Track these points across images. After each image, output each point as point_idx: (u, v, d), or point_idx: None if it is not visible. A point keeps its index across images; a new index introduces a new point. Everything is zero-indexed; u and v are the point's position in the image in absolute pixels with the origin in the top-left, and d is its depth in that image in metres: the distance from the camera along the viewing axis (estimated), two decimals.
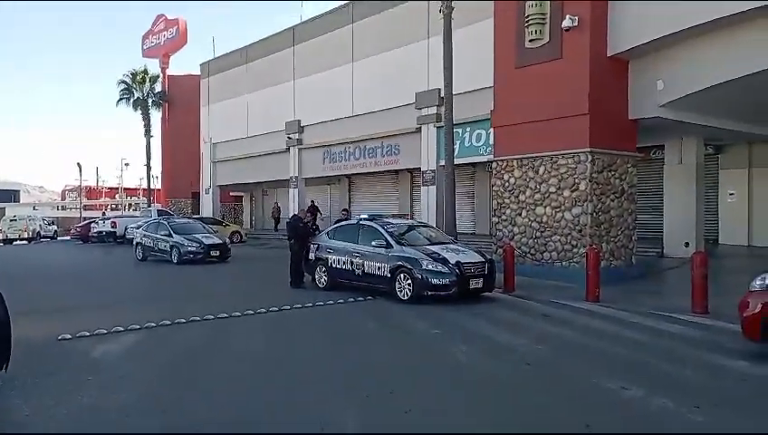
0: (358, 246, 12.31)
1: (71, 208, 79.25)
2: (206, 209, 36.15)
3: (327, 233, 13.49)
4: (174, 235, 19.97)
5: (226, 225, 30.80)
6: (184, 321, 9.36)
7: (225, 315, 9.80)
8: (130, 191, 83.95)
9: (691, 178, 16.79)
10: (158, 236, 20.53)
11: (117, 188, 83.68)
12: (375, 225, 12.30)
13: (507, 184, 14.82)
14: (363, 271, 12.03)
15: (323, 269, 12.98)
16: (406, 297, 11.08)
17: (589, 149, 13.08)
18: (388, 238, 11.75)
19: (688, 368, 6.58)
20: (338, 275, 12.66)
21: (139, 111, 43.95)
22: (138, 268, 19.32)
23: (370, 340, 8.34)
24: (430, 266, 10.92)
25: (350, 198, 32.34)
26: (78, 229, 36.49)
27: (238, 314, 9.96)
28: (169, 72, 45.26)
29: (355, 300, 11.50)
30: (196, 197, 39.57)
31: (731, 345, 7.50)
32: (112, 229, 30.94)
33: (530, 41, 14.00)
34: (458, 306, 10.58)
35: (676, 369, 6.55)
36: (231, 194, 42.32)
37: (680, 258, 15.67)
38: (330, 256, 12.83)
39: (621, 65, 13.79)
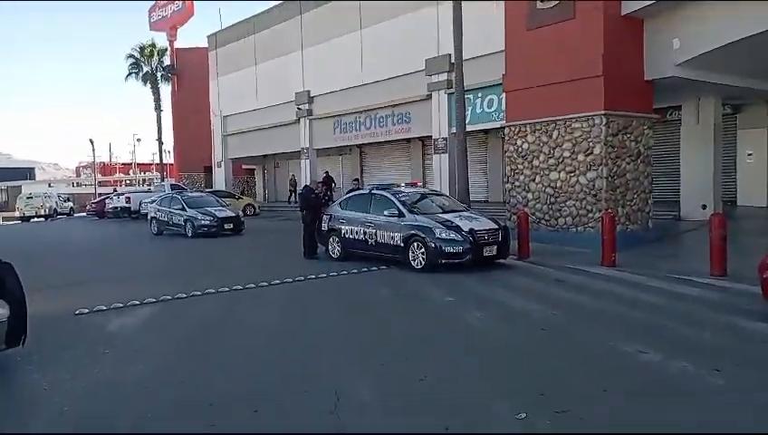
0: (370, 215, 12.24)
1: (85, 185, 79.73)
2: (219, 183, 36.22)
3: (339, 203, 13.43)
4: (188, 209, 20.03)
5: (239, 198, 30.83)
6: (199, 293, 9.39)
7: (240, 287, 9.82)
8: (144, 167, 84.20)
9: (709, 138, 16.43)
10: (171, 210, 20.61)
11: (130, 164, 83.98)
12: (387, 194, 12.21)
13: (520, 149, 14.60)
14: (376, 241, 11.98)
15: (336, 240, 12.96)
16: (420, 266, 11.04)
17: (603, 112, 12.81)
18: (401, 207, 11.66)
19: (707, 331, 6.49)
20: (351, 246, 12.63)
21: (149, 86, 43.91)
22: (153, 243, 19.45)
23: (384, 309, 8.32)
24: (443, 235, 10.84)
25: (361, 168, 32.18)
26: (93, 205, 36.78)
27: (252, 285, 9.98)
28: (177, 45, 45.00)
29: (369, 270, 11.48)
30: (208, 170, 39.61)
31: (751, 307, 7.38)
32: (127, 205, 31.12)
33: (542, 1, 13.63)
34: (472, 274, 10.52)
35: (694, 332, 6.47)
36: (243, 167, 42.33)
37: (698, 221, 15.44)
38: (342, 227, 12.78)
39: (636, 25, 13.41)
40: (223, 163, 36.18)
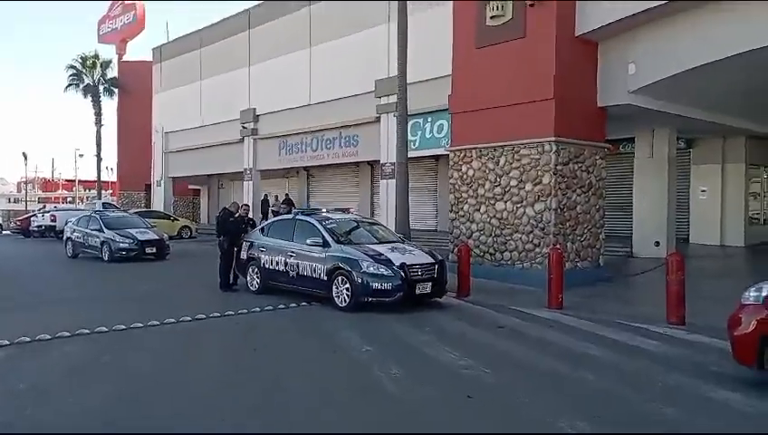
0: (293, 244, 10.81)
1: (30, 201, 75.89)
2: (158, 202, 34.22)
3: (261, 229, 11.96)
4: (105, 230, 18.13)
5: (175, 219, 28.89)
6: (68, 335, 7.75)
7: (123, 327, 8.21)
8: (88, 183, 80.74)
9: (662, 172, 15.67)
10: (88, 230, 18.67)
11: (74, 180, 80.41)
12: (312, 220, 10.80)
13: (465, 176, 13.45)
14: (298, 273, 10.54)
15: (255, 270, 11.45)
16: (344, 304, 9.63)
17: (554, 138, 11.78)
18: (326, 236, 10.27)
19: (668, 402, 5.25)
20: (271, 278, 11.14)
21: (90, 99, 41.71)
22: (61, 267, 17.44)
23: (285, 361, 6.83)
24: (371, 269, 9.47)
25: (308, 192, 30.77)
26: (18, 223, 34.13)
27: (140, 325, 8.39)
28: (126, 58, 42.98)
29: (287, 307, 10.00)
30: (149, 189, 37.50)
31: (719, 368, 6.21)
32: (52, 223, 28.70)
33: (491, 17, 12.65)
34: (402, 315, 9.17)
35: (652, 404, 5.22)
36: (189, 187, 40.36)
37: (651, 258, 14.56)
38: (262, 256, 11.30)
39: (590, 47, 12.52)
40: (163, 182, 34.21)
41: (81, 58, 41.30)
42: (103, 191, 57.11)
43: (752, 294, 5.71)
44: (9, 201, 75.24)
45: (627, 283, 12.10)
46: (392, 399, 5.40)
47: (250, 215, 14.05)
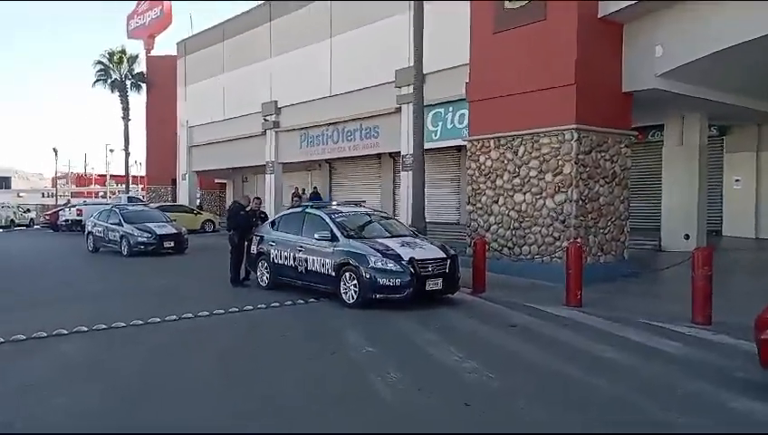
0: (302, 238, 10.50)
1: (61, 196, 77.41)
2: (183, 196, 34.40)
3: (271, 223, 11.67)
4: (124, 224, 18.16)
5: (198, 213, 28.97)
6: (65, 332, 7.58)
7: (123, 325, 8.02)
8: (120, 178, 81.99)
9: (693, 161, 14.90)
10: (108, 225, 18.73)
11: (106, 175, 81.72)
12: (321, 213, 10.47)
13: (483, 167, 12.97)
14: (306, 268, 10.23)
15: (265, 265, 11.20)
16: (351, 300, 9.29)
17: (575, 126, 11.21)
18: (335, 230, 9.93)
19: (686, 411, 4.79)
20: (280, 273, 10.87)
21: (117, 93, 42.16)
22: (81, 261, 17.50)
23: (280, 359, 6.52)
24: (379, 264, 9.10)
25: (330, 184, 30.52)
26: (47, 217, 34.75)
27: (140, 322, 8.18)
28: (154, 53, 43.29)
29: (294, 303, 9.71)
30: (176, 183, 37.72)
31: (744, 374, 5.69)
32: (78, 217, 29.06)
33: (510, 0, 12.11)
34: (411, 312, 8.79)
35: (668, 413, 4.76)
36: (216, 181, 40.55)
37: (680, 252, 13.85)
38: (272, 250, 11.03)
39: (614, 29, 11.89)
40: (187, 176, 34.36)
41: (109, 54, 41.71)
42: (133, 185, 58.05)
43: None
44: (43, 196, 76.74)
45: (652, 278, 11.47)
46: (382, 406, 5.03)
47: (263, 208, 13.76)
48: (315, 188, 28.60)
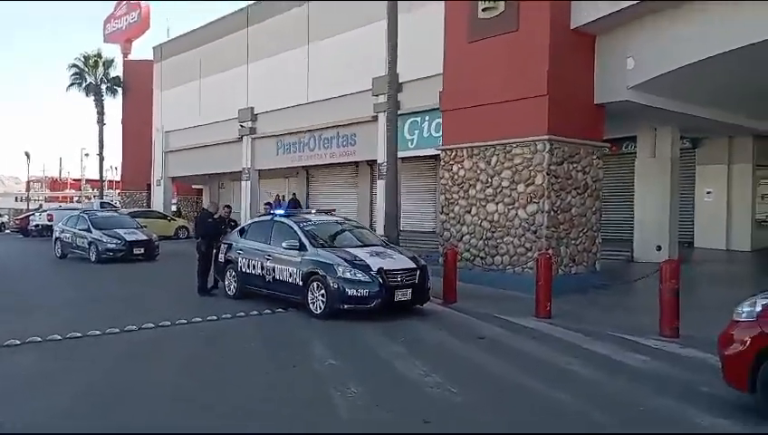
0: (270, 247, 10.31)
1: (34, 200, 75.95)
2: (158, 202, 33.88)
3: (240, 231, 11.45)
4: (93, 230, 17.75)
5: (171, 219, 28.54)
6: (18, 343, 7.30)
7: (78, 335, 7.75)
8: (95, 183, 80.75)
9: (665, 173, 15.00)
10: (76, 230, 18.30)
11: (81, 180, 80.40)
12: (290, 222, 10.29)
13: (456, 177, 12.89)
14: (274, 277, 10.04)
15: (233, 274, 10.97)
16: (318, 311, 9.11)
17: (547, 137, 11.19)
18: (303, 238, 9.75)
19: (646, 428, 4.69)
20: (248, 282, 10.65)
21: (92, 97, 41.49)
22: (46, 267, 17.06)
23: (237, 372, 6.31)
24: (347, 274, 8.94)
25: (308, 192, 30.31)
26: (17, 222, 34.02)
27: (97, 332, 7.92)
28: (132, 57, 42.71)
29: (260, 313, 9.50)
30: (151, 188, 37.17)
31: (709, 389, 5.63)
32: (49, 223, 28.39)
33: (483, 10, 12.09)
34: (379, 323, 8.64)
35: (631, 431, 4.66)
36: (193, 187, 40.06)
37: (652, 263, 13.88)
38: (240, 259, 10.82)
39: (587, 40, 11.92)
40: (162, 181, 33.86)
41: (84, 57, 41.06)
42: (110, 190, 57.16)
43: (745, 309, 5.13)
44: (16, 200, 75.25)
45: (623, 290, 11.45)
46: (338, 422, 4.86)
47: (233, 216, 13.51)
48: (294, 195, 28.40)
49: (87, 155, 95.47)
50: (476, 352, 7.27)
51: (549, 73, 11.13)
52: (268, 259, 10.18)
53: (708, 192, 17.41)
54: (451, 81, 13.12)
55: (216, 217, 11.84)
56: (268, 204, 17.04)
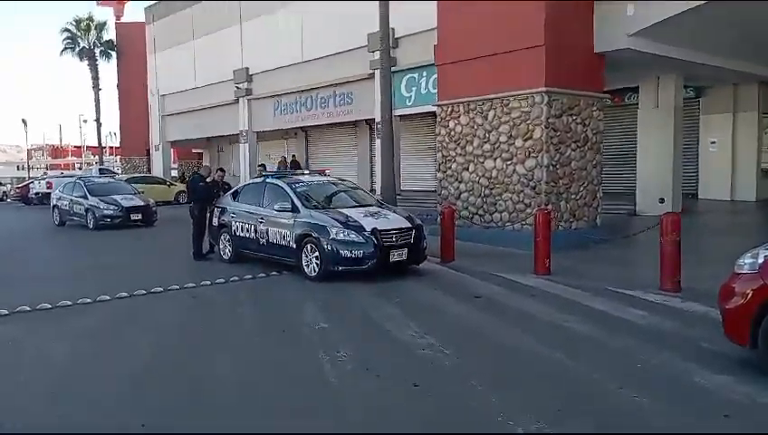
0: (263, 209, 10.11)
1: (36, 168, 75.74)
2: (157, 167, 33.63)
3: (233, 194, 11.23)
4: (90, 196, 17.57)
5: (171, 184, 28.29)
6: (6, 312, 7.19)
7: (69, 303, 7.62)
8: (95, 150, 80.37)
9: (668, 123, 14.62)
10: (73, 198, 18.12)
11: (81, 147, 79.95)
12: (282, 184, 10.06)
13: (453, 133, 12.58)
14: (267, 240, 9.87)
15: (227, 238, 10.82)
16: (313, 273, 8.97)
17: (545, 89, 10.84)
18: (295, 200, 9.54)
19: (645, 389, 4.54)
20: (242, 246, 10.50)
21: (86, 62, 40.89)
22: (44, 236, 16.95)
23: (229, 338, 6.20)
24: (341, 235, 8.76)
25: (307, 153, 29.99)
26: (17, 190, 33.91)
27: (88, 300, 7.78)
28: (125, 20, 41.86)
29: (254, 277, 9.37)
30: (150, 153, 36.85)
31: (710, 345, 5.46)
32: (48, 190, 28.24)
33: None
34: (374, 284, 8.50)
35: (627, 391, 4.51)
36: (193, 151, 39.75)
37: (655, 216, 13.59)
38: (233, 222, 10.64)
39: None
40: (161, 146, 33.54)
41: (76, 21, 40.34)
42: (111, 157, 56.81)
43: (746, 261, 4.92)
44: (18, 168, 75.11)
45: (624, 244, 11.22)
46: (323, 390, 4.70)
47: (227, 179, 13.32)
48: (294, 156, 28.09)
49: (85, 121, 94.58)
50: (472, 311, 7.12)
51: (546, 22, 10.71)
52: (261, 222, 10.00)
53: (713, 142, 17.03)
54: (445, 33, 12.68)
55: (208, 180, 11.62)
56: (262, 166, 16.79)
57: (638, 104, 15.88)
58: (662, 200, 14.42)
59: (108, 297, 7.98)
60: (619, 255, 10.53)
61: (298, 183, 10.11)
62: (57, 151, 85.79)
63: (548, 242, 9.05)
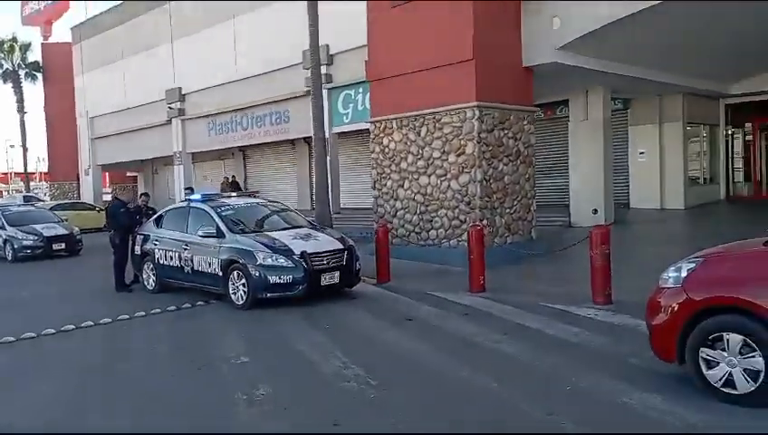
0: (187, 235, 9.61)
1: None
2: (88, 192, 32.20)
3: (155, 220, 10.65)
4: (7, 227, 16.53)
5: (101, 210, 26.99)
6: None
7: None
8: (23, 176, 76.62)
9: (598, 135, 14.86)
10: None
11: (8, 173, 76.17)
12: (206, 207, 9.58)
13: (387, 150, 12.38)
14: (192, 268, 9.37)
15: (150, 267, 10.24)
16: (240, 301, 8.54)
17: (475, 104, 10.77)
18: (220, 225, 9.09)
19: (573, 412, 4.35)
20: (166, 275, 9.95)
21: (10, 84, 38.98)
22: None
23: (140, 378, 5.71)
24: (268, 260, 8.37)
25: (246, 173, 29.30)
26: None
27: None
28: (52, 40, 40.17)
29: (178, 308, 8.85)
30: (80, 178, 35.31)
31: (638, 362, 5.36)
32: None
33: None
34: (305, 309, 8.16)
35: (557, 418, 4.31)
36: (128, 174, 38.29)
37: (589, 227, 13.77)
38: (156, 250, 10.08)
39: (512, 2, 11.49)
40: (91, 170, 32.18)
41: None
42: (42, 182, 54.24)
43: (671, 274, 4.82)
44: None
45: (558, 257, 11.15)
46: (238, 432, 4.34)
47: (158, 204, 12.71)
48: (233, 176, 27.34)
49: (12, 147, 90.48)
50: (403, 336, 6.84)
51: (474, 38, 10.67)
52: (186, 249, 9.49)
53: (641, 152, 17.44)
54: (376, 48, 12.52)
55: (129, 206, 11.01)
56: (189, 189, 16.16)
57: (569, 117, 16.10)
58: (595, 211, 14.60)
59: (12, 338, 7.33)
60: (554, 269, 10.48)
61: (224, 206, 9.65)
62: None
63: (482, 259, 8.91)
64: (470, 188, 10.95)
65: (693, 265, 4.67)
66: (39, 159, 51.45)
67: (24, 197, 29.26)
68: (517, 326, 6.91)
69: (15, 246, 16.07)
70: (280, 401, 4.90)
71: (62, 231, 16.87)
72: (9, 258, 16.13)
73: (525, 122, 11.89)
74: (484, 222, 10.83)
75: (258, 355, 6.30)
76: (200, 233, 9.13)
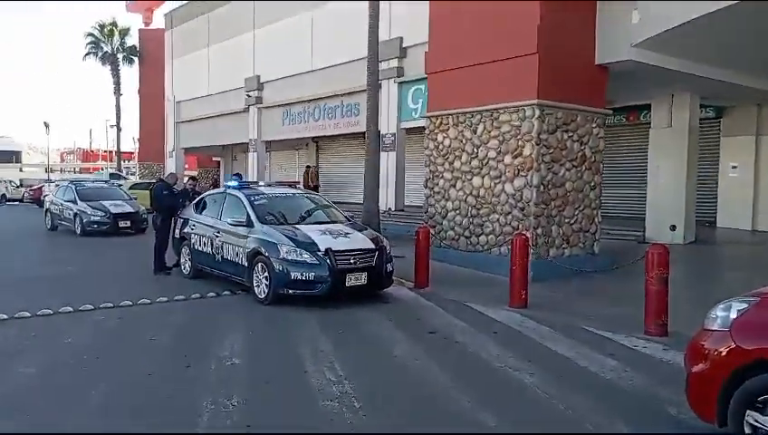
0: (220, 222, 9.35)
1: (67, 171, 76.78)
2: None
3: (195, 205, 10.48)
4: (79, 201, 17.13)
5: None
6: None
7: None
8: (126, 154, 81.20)
9: (682, 144, 13.44)
10: (63, 202, 17.74)
11: (111, 151, 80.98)
12: (240, 195, 9.27)
13: (441, 147, 11.67)
14: (222, 256, 9.11)
15: (187, 252, 10.10)
16: (263, 295, 8.15)
17: (536, 102, 9.86)
18: (251, 214, 8.74)
19: None
20: (200, 261, 9.77)
21: (108, 67, 41.14)
22: (27, 239, 16.50)
23: (121, 372, 5.38)
24: (291, 255, 7.92)
25: (318, 164, 29.29)
26: (31, 193, 34.05)
27: (5, 316, 7.09)
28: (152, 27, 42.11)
29: (202, 296, 8.59)
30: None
31: (676, 413, 4.45)
32: None
33: None
34: (325, 311, 7.66)
35: None
36: (213, 159, 39.45)
37: (667, 244, 12.49)
38: (192, 235, 9.92)
39: None
40: (174, 153, 33.28)
41: (99, 26, 40.66)
42: (133, 162, 57.12)
43: (718, 314, 3.92)
44: (46, 171, 76.27)
45: (619, 275, 10.07)
46: None
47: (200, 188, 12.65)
48: (308, 166, 27.36)
49: (112, 126, 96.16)
50: (416, 351, 6.16)
51: (540, 29, 9.75)
52: (218, 236, 9.24)
53: (734, 166, 15.71)
54: (437, 39, 11.83)
55: (174, 189, 10.93)
56: (237, 175, 16.07)
57: (650, 123, 14.71)
58: (673, 227, 13.24)
59: (28, 314, 7.27)
60: (611, 287, 9.42)
61: (258, 195, 9.30)
62: (87, 155, 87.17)
63: (525, 271, 8.08)
64: (525, 192, 10.07)
65: (745, 306, 3.76)
66: (134, 140, 53.93)
67: (111, 174, 30.67)
68: (546, 352, 6.09)
69: (84, 221, 16.61)
70: (245, 417, 4.37)
71: (128, 209, 17.29)
72: (78, 232, 16.69)
73: (594, 125, 10.82)
74: (539, 231, 9.94)
75: (253, 358, 5.84)
76: (229, 220, 8.83)
